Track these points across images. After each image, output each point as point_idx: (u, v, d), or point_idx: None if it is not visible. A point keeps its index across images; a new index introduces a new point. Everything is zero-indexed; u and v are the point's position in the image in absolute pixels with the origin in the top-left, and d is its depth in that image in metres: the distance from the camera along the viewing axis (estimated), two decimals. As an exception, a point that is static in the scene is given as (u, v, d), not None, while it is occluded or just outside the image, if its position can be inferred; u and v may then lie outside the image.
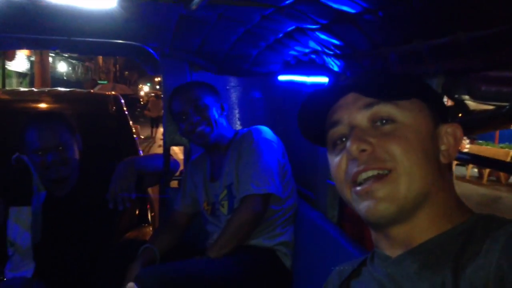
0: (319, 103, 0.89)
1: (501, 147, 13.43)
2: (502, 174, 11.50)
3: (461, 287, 0.68)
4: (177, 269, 1.79)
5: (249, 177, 1.98)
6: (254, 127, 2.16)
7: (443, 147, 0.83)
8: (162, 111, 2.70)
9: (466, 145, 11.98)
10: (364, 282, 0.90)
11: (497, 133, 12.52)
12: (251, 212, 1.95)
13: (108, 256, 2.11)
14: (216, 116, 2.11)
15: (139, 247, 2.05)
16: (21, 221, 2.06)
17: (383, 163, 0.79)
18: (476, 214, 0.81)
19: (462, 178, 12.40)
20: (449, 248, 0.75)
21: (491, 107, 1.04)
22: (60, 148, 2.08)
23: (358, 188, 0.81)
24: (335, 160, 0.87)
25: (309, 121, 0.93)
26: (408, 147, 0.78)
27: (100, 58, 32.20)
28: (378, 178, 0.78)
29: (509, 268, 0.63)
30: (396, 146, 0.78)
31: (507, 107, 0.95)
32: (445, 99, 1.13)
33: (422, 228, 0.80)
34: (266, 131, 2.12)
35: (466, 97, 1.06)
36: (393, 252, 0.83)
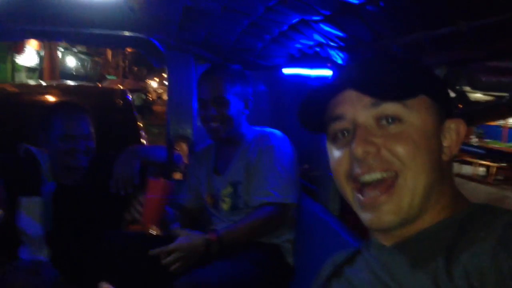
0: (320, 97, 0.87)
1: (509, 146, 13.25)
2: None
3: (455, 273, 0.68)
4: (208, 275, 1.73)
5: (270, 184, 1.97)
6: (271, 131, 2.12)
7: (445, 144, 0.81)
8: None
9: (474, 144, 11.84)
10: (357, 269, 0.91)
11: (506, 131, 12.39)
12: (270, 219, 1.94)
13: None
14: (235, 115, 2.04)
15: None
16: (31, 212, 2.07)
17: (389, 164, 0.78)
18: (472, 204, 0.81)
19: (469, 177, 12.27)
20: (444, 236, 0.75)
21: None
22: (86, 138, 2.15)
23: (362, 197, 0.80)
24: (336, 155, 0.86)
25: (309, 114, 0.91)
26: (415, 149, 0.77)
27: (109, 53, 32.23)
28: (384, 189, 0.78)
29: (506, 258, 0.64)
30: (403, 148, 0.77)
31: (507, 97, 0.95)
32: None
33: (418, 223, 0.80)
34: (284, 138, 2.10)
35: (467, 88, 1.06)
36: (388, 242, 0.84)
